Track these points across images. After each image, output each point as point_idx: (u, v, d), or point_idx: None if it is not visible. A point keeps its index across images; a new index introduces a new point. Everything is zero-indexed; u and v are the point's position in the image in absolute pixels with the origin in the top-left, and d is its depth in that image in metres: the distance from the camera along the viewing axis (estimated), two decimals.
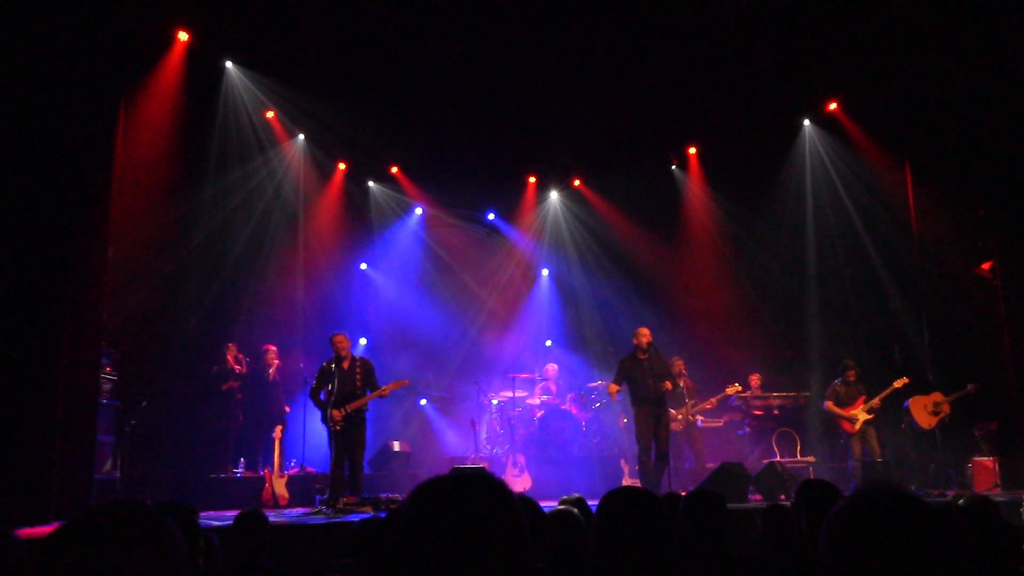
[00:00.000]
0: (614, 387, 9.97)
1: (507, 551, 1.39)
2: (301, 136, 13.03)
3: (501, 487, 1.46)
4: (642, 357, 9.83)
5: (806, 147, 13.43)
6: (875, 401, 10.71)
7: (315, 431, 11.01)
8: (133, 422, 10.14)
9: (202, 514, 7.80)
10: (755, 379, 12.54)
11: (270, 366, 11.89)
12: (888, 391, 10.71)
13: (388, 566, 3.16)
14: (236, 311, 12.25)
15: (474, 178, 14.04)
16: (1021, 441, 10.54)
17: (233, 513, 5.03)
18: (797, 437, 11.86)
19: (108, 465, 9.44)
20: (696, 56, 11.45)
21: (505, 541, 1.40)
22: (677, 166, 14.65)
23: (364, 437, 9.41)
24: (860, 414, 10.69)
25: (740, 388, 11.43)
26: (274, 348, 12.07)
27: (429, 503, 1.42)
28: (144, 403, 10.34)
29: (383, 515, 5.57)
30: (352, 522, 7.43)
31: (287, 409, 11.93)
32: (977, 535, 3.24)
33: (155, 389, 10.84)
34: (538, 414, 12.57)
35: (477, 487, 1.44)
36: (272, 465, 10.62)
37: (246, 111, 11.82)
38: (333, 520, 8.01)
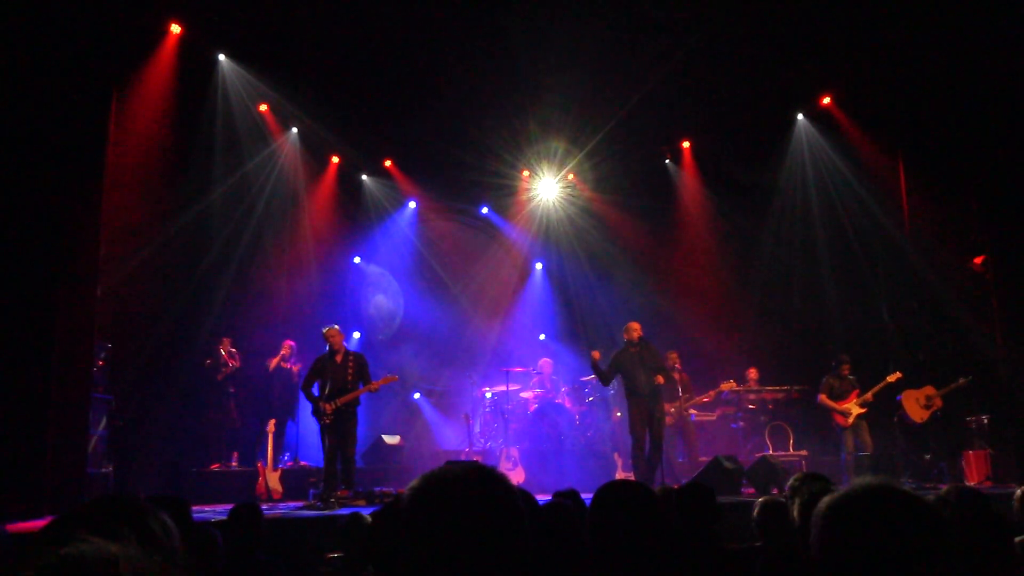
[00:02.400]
0: (596, 353, 9.99)
1: (508, 543, 1.40)
2: (294, 129, 12.98)
3: (502, 481, 1.47)
4: (632, 351, 9.84)
5: (799, 141, 13.45)
6: (868, 395, 10.75)
7: (309, 425, 11.01)
8: (126, 416, 10.13)
9: (196, 508, 7.80)
10: (753, 373, 12.57)
11: (275, 357, 11.89)
12: (881, 385, 10.76)
13: (383, 558, 3.16)
14: (229, 305, 12.23)
15: (468, 172, 14.03)
16: (1013, 434, 10.58)
17: (227, 507, 5.02)
18: (790, 430, 11.89)
19: (101, 459, 9.42)
20: (690, 50, 11.43)
21: (506, 533, 1.40)
22: (671, 160, 14.66)
23: (355, 431, 9.41)
24: (853, 408, 10.72)
25: (734, 384, 11.46)
26: (291, 343, 12.05)
27: (433, 495, 1.43)
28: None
29: (367, 510, 5.57)
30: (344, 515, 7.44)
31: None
32: (968, 528, 3.25)
33: (148, 383, 10.83)
34: (532, 408, 12.58)
35: (479, 480, 1.44)
36: (266, 459, 10.62)
37: (239, 104, 11.77)
38: (327, 514, 8.01)
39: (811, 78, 12.25)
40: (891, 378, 10.73)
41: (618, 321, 11.51)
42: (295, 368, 11.99)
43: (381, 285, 14.92)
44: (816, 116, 13.16)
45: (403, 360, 13.93)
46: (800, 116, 13.35)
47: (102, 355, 9.50)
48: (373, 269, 14.91)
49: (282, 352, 11.96)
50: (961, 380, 10.84)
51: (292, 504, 9.55)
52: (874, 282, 12.67)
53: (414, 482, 1.48)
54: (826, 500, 1.54)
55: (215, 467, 11.13)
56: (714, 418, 12.51)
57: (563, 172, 14.89)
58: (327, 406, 9.16)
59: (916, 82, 11.37)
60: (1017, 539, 3.26)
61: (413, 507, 1.42)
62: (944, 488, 4.45)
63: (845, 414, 10.74)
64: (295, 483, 10.56)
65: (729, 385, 11.34)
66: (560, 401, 12.67)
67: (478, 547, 1.37)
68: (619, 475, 11.07)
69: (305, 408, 10.54)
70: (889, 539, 1.43)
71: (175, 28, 10.40)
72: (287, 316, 12.97)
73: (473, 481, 1.44)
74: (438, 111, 12.55)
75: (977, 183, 11.34)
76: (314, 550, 6.60)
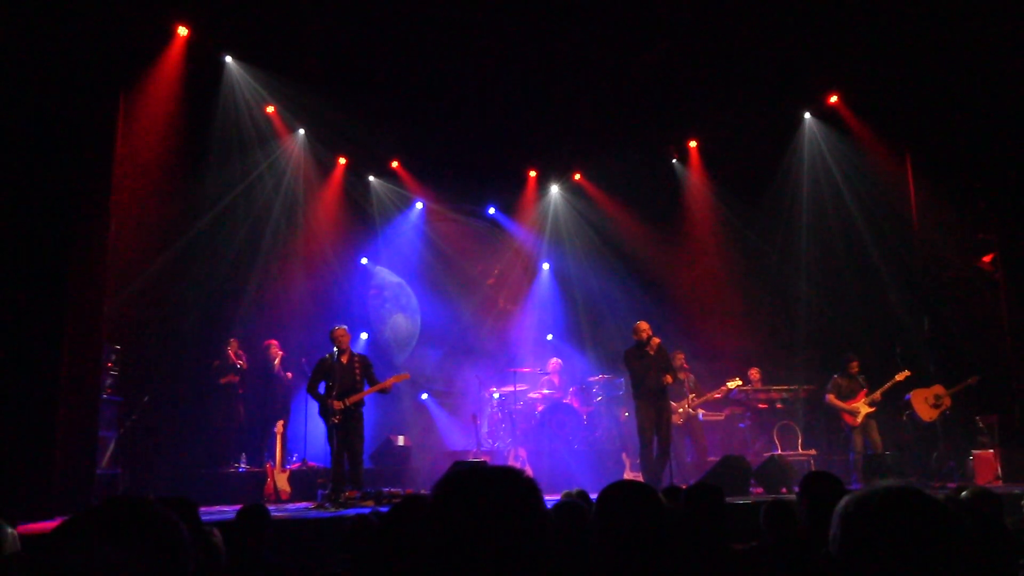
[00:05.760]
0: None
1: (533, 541, 1.41)
2: (301, 131, 13.01)
3: (530, 483, 1.48)
4: (641, 350, 9.82)
5: (806, 140, 13.41)
6: (876, 394, 10.72)
7: (317, 425, 11.03)
8: (135, 417, 10.16)
9: (204, 509, 7.81)
10: (754, 373, 12.55)
11: (275, 358, 11.92)
12: (889, 384, 10.73)
13: (394, 560, 3.16)
14: (237, 306, 12.26)
15: (475, 172, 14.03)
16: (1022, 433, 10.54)
17: (235, 508, 5.03)
18: (798, 430, 11.86)
19: (110, 460, 9.45)
20: (696, 49, 11.42)
21: (532, 531, 1.41)
22: (678, 159, 14.64)
23: (362, 431, 9.43)
24: (862, 407, 10.69)
25: (740, 382, 11.43)
26: (275, 342, 12.08)
27: (462, 493, 1.43)
28: (146, 398, 10.37)
29: (366, 511, 5.56)
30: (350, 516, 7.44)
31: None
32: (979, 529, 3.24)
33: (157, 384, 10.86)
34: (539, 408, 12.57)
35: (507, 480, 1.45)
36: (274, 459, 10.63)
37: (246, 106, 11.80)
38: (335, 514, 8.02)
39: (818, 77, 12.22)
40: (899, 377, 10.69)
41: (625, 321, 11.50)
42: (276, 362, 12.02)
43: (400, 301, 14.91)
44: (823, 115, 13.12)
45: (410, 361, 13.95)
46: (807, 115, 13.32)
47: (111, 357, 9.54)
48: (391, 278, 14.88)
49: (278, 353, 11.96)
50: (970, 379, 10.80)
51: (300, 505, 9.57)
52: (883, 280, 12.61)
53: (442, 479, 1.49)
54: (846, 499, 1.55)
55: (224, 468, 11.15)
56: (722, 418, 12.49)
57: (570, 172, 14.89)
58: (336, 405, 9.16)
59: (924, 80, 11.33)
60: None
61: (444, 504, 1.43)
62: (953, 487, 4.43)
63: (853, 413, 10.71)
64: (304, 484, 10.57)
65: (735, 383, 11.31)
66: (568, 401, 12.66)
67: (504, 544, 1.38)
68: (627, 475, 11.06)
69: (312, 409, 10.56)
70: (908, 539, 1.44)
71: (182, 30, 10.42)
72: (294, 317, 12.99)
73: (501, 481, 1.45)
74: (445, 112, 12.56)
75: (986, 182, 11.30)
76: (321, 550, 6.62)
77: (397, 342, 14.69)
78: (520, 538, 1.40)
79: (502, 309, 15.21)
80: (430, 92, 12.19)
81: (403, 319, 14.84)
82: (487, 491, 1.43)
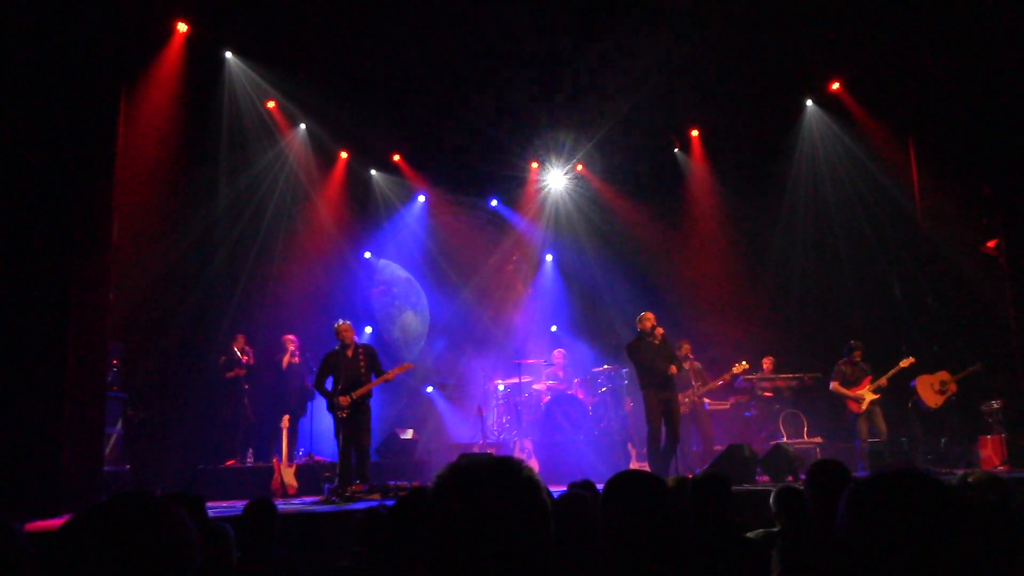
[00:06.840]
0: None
1: (533, 533, 1.41)
2: (303, 126, 13.01)
3: (529, 473, 1.48)
4: (648, 340, 9.80)
5: (809, 127, 13.38)
6: (882, 380, 10.70)
7: (324, 420, 11.04)
8: (142, 414, 10.18)
9: (211, 504, 7.85)
10: (768, 362, 12.52)
11: (285, 353, 11.92)
12: (894, 370, 10.71)
13: (400, 552, 3.17)
14: (241, 302, 12.27)
15: (476, 165, 14.03)
16: None
17: (242, 503, 5.04)
18: (804, 418, 11.86)
19: (115, 457, 9.47)
20: (698, 37, 11.38)
21: (531, 523, 1.41)
22: (680, 148, 14.61)
23: (369, 424, 9.43)
24: (867, 394, 10.68)
25: (747, 366, 11.40)
26: (292, 338, 12.08)
27: (460, 486, 1.43)
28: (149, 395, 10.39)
29: (373, 505, 5.58)
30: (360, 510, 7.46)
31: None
32: (985, 514, 3.24)
33: (161, 380, 10.87)
34: (544, 399, 12.58)
35: (506, 471, 1.45)
36: (281, 454, 10.65)
37: (247, 101, 11.80)
38: (342, 508, 8.03)
39: (820, 64, 12.18)
40: (904, 363, 10.68)
41: (630, 311, 11.49)
42: (284, 357, 12.02)
43: (410, 298, 14.89)
44: (825, 102, 13.09)
45: (415, 353, 13.97)
46: (809, 102, 13.29)
47: (116, 355, 9.55)
48: (399, 274, 14.87)
49: (291, 348, 11.99)
50: (976, 365, 10.79)
51: (307, 499, 9.59)
52: (886, 267, 12.60)
53: (441, 472, 1.49)
54: (853, 485, 1.56)
55: (230, 463, 11.18)
56: (728, 407, 12.49)
57: (572, 163, 14.87)
58: (343, 399, 9.17)
59: (926, 66, 11.28)
60: None
61: (439, 497, 1.43)
62: (960, 473, 4.42)
63: (858, 400, 10.70)
64: (310, 478, 10.59)
65: (742, 368, 11.27)
66: (573, 392, 12.66)
67: (502, 542, 1.38)
68: (633, 465, 11.06)
69: (319, 404, 10.57)
70: (914, 524, 1.45)
71: (181, 27, 10.42)
72: (298, 312, 13.00)
73: (500, 473, 1.45)
74: (446, 105, 12.54)
75: (989, 166, 11.26)
76: (329, 544, 6.64)
77: (407, 341, 14.71)
78: (519, 530, 1.40)
79: (521, 293, 15.26)
80: (431, 85, 12.17)
81: (413, 316, 14.86)
82: (485, 483, 1.43)
